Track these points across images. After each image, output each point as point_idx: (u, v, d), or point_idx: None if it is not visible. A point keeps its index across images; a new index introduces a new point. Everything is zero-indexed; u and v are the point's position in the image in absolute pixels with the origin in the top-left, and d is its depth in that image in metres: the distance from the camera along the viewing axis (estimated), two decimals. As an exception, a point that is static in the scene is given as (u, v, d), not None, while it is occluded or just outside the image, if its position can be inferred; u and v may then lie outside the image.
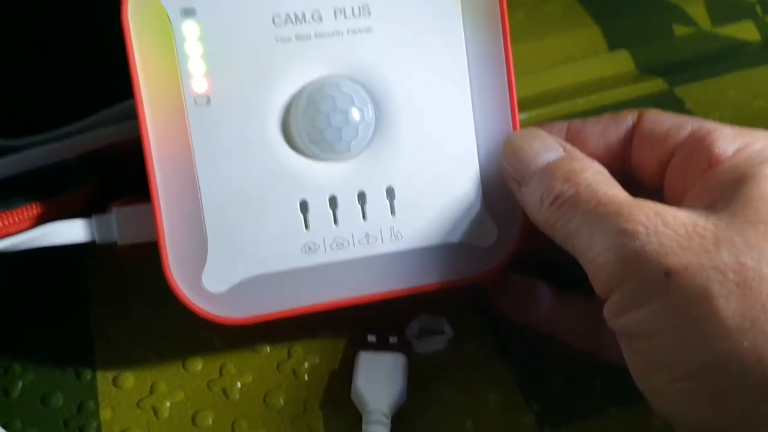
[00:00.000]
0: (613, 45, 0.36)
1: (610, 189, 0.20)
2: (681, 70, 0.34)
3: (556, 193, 0.21)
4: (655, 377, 0.19)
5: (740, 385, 0.17)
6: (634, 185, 0.22)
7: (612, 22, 0.37)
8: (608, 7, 0.38)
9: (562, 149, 0.22)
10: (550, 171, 0.21)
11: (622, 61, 0.35)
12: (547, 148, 0.22)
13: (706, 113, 0.32)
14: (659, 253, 0.18)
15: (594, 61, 0.35)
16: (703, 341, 0.17)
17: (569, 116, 0.32)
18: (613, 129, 0.23)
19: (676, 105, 0.32)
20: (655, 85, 0.33)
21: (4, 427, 0.22)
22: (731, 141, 0.20)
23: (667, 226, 0.18)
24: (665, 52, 0.35)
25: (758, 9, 0.37)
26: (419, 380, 0.24)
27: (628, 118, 0.23)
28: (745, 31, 0.36)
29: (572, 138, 0.23)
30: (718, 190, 0.19)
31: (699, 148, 0.21)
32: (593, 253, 0.19)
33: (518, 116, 0.24)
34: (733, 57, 0.35)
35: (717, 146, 0.20)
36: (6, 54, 0.31)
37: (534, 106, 0.33)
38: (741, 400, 0.17)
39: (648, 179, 0.23)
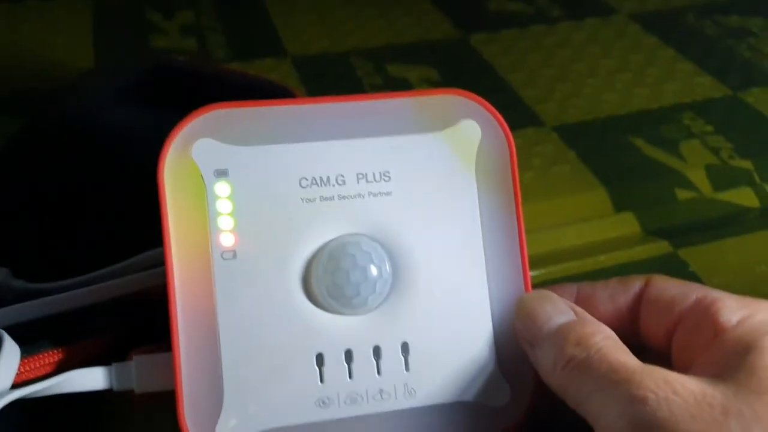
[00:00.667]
0: (618, 207, 0.38)
1: (621, 355, 0.21)
2: (684, 233, 0.35)
3: (568, 357, 0.21)
4: None
5: None
6: (643, 349, 0.23)
7: (617, 185, 0.39)
8: (614, 170, 0.40)
9: (573, 313, 0.23)
10: (562, 334, 0.22)
11: (627, 223, 0.36)
12: (559, 311, 0.23)
13: (710, 277, 0.33)
14: (670, 421, 0.18)
15: (600, 222, 0.37)
16: None
17: (578, 275, 0.33)
18: (621, 294, 0.24)
19: (680, 267, 0.33)
20: (660, 247, 0.35)
21: None
22: (735, 311, 0.21)
23: (677, 395, 0.19)
24: (669, 215, 0.37)
25: (756, 176, 0.39)
26: None
27: (636, 284, 0.24)
28: (744, 197, 0.38)
29: (582, 301, 0.24)
30: (725, 360, 0.20)
31: (704, 317, 0.21)
32: (606, 420, 0.20)
33: (530, 278, 0.24)
34: (733, 223, 0.36)
35: (721, 316, 0.21)
36: (44, 202, 0.33)
37: (543, 264, 0.34)
38: None
39: (656, 344, 0.23)
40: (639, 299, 0.24)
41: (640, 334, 0.24)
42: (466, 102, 0.24)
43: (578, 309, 0.23)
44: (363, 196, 0.24)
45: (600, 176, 0.39)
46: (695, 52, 0.50)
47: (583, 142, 0.42)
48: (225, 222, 0.23)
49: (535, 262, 0.34)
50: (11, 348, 0.22)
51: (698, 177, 0.39)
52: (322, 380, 0.23)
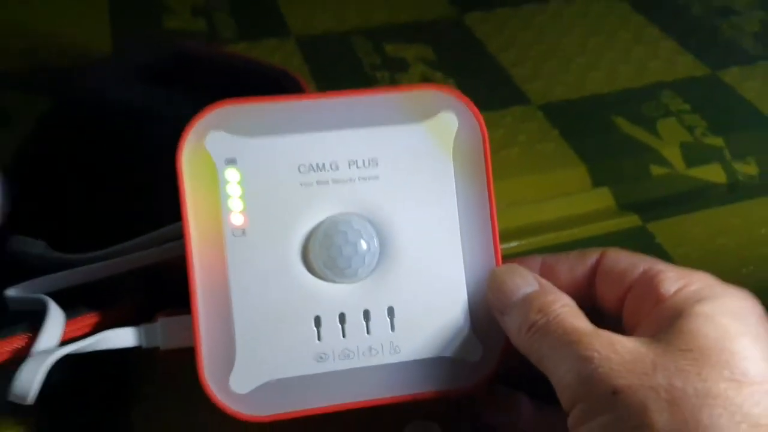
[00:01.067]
0: (597, 183, 0.41)
1: (575, 320, 0.24)
2: (654, 208, 0.39)
3: (531, 322, 0.25)
4: None
5: None
6: (598, 313, 0.26)
7: (597, 161, 0.42)
8: (594, 148, 0.43)
9: (537, 284, 0.26)
10: (527, 302, 0.25)
11: (603, 198, 0.40)
12: (526, 282, 0.26)
13: (674, 248, 0.36)
14: (609, 376, 0.22)
15: (579, 197, 0.40)
16: None
17: (554, 246, 0.36)
18: (579, 265, 0.27)
19: (647, 239, 0.37)
20: (631, 221, 0.38)
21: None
22: (674, 282, 0.24)
23: (616, 353, 0.22)
24: (642, 191, 0.40)
25: (726, 153, 0.42)
26: (412, 477, 0.27)
27: (593, 256, 0.27)
28: (714, 173, 0.41)
29: (546, 271, 0.28)
30: (660, 323, 0.23)
31: (648, 287, 0.25)
32: (558, 374, 0.23)
33: (500, 251, 0.28)
34: (701, 197, 0.39)
35: (662, 286, 0.24)
36: (74, 179, 0.36)
37: (524, 235, 0.37)
38: None
39: (609, 310, 0.27)
40: (594, 270, 0.27)
41: (596, 300, 0.27)
42: (445, 96, 0.27)
43: (542, 280, 0.27)
44: (354, 180, 0.27)
45: (581, 153, 0.42)
46: (679, 31, 0.52)
47: (566, 120, 0.45)
48: (235, 204, 0.26)
49: (517, 233, 0.38)
50: (56, 312, 0.26)
51: (673, 154, 0.42)
52: (319, 339, 0.27)
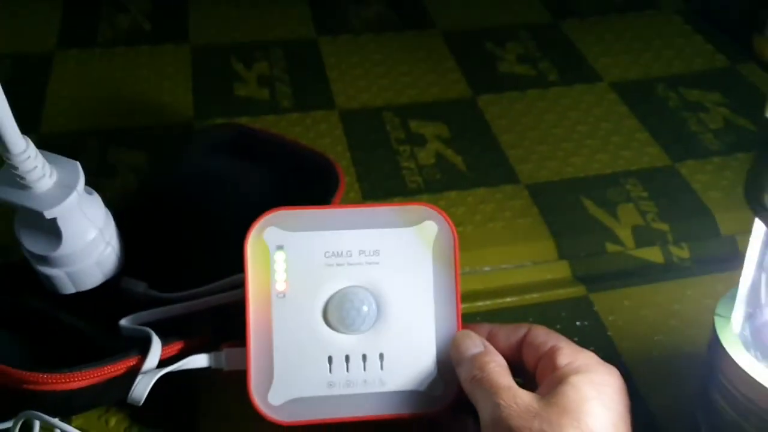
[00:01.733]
0: (561, 255, 0.52)
1: (500, 378, 0.35)
2: (600, 280, 0.49)
3: (472, 375, 0.36)
4: None
5: None
6: (525, 370, 0.38)
7: (564, 237, 0.53)
8: (563, 225, 0.53)
9: (483, 347, 0.38)
10: (472, 360, 0.37)
11: (562, 269, 0.51)
12: (475, 345, 0.38)
13: (606, 315, 0.47)
14: (507, 419, 0.33)
15: (544, 266, 0.51)
16: None
17: (517, 307, 0.48)
18: (513, 335, 0.39)
19: (588, 307, 0.48)
20: (578, 291, 0.49)
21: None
22: (566, 357, 0.35)
23: (516, 404, 0.33)
24: (594, 265, 0.51)
25: (669, 237, 0.53)
26: (389, 472, 0.39)
27: (522, 330, 0.38)
28: (654, 254, 0.52)
29: (492, 335, 0.39)
30: (550, 386, 0.34)
31: (550, 359, 0.35)
32: (483, 415, 0.34)
33: (461, 318, 0.40)
34: (639, 275, 0.50)
35: (557, 360, 0.35)
36: (168, 233, 0.49)
37: (495, 297, 0.48)
38: None
39: (529, 369, 0.38)
40: (522, 340, 0.38)
41: (522, 362, 0.38)
42: (429, 210, 0.40)
43: (487, 344, 0.38)
44: (362, 264, 0.39)
45: (552, 229, 0.53)
46: (653, 123, 0.63)
47: (545, 199, 0.56)
48: (280, 276, 0.39)
49: (491, 294, 0.49)
50: (156, 341, 0.39)
51: (626, 235, 0.53)
52: (330, 372, 0.39)
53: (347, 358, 0.39)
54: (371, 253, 0.39)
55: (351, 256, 0.39)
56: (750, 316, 0.36)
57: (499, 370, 0.36)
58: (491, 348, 0.38)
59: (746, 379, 0.33)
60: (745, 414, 0.33)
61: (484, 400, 0.35)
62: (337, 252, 0.39)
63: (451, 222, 0.40)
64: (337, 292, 0.39)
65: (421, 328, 0.39)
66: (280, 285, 0.39)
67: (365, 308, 0.39)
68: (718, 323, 0.36)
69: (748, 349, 0.34)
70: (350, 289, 0.39)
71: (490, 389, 0.35)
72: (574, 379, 0.34)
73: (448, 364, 0.39)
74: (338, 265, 0.39)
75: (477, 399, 0.36)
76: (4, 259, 0.45)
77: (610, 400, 0.33)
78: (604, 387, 0.34)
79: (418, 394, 0.39)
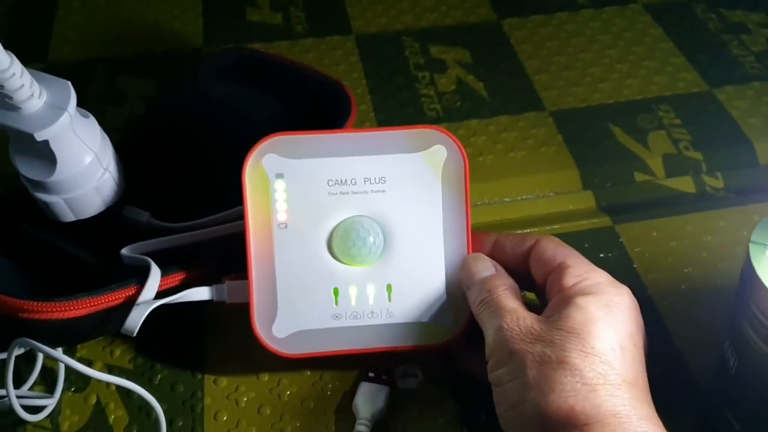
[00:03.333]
0: (585, 185, 0.49)
1: (507, 300, 0.34)
2: (626, 211, 0.47)
3: (482, 298, 0.35)
4: (501, 408, 0.32)
5: (526, 416, 0.30)
6: (533, 283, 0.36)
7: (589, 166, 0.50)
8: (589, 154, 0.51)
9: (494, 269, 0.36)
10: (482, 283, 0.35)
11: (586, 200, 0.48)
12: (485, 267, 0.36)
13: (632, 247, 0.44)
14: (510, 340, 0.32)
15: (567, 197, 0.48)
16: (520, 390, 0.30)
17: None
18: (520, 246, 0.37)
19: (613, 239, 0.45)
20: (603, 222, 0.46)
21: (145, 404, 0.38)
22: (574, 277, 0.33)
23: (518, 326, 0.32)
24: (621, 195, 0.48)
25: (703, 166, 0.50)
26: (397, 404, 0.38)
27: (530, 242, 0.36)
28: (686, 184, 0.49)
29: (498, 244, 0.37)
30: (555, 307, 0.33)
31: (558, 276, 0.34)
32: (487, 335, 0.33)
33: (471, 246, 0.38)
34: (669, 205, 0.47)
35: (565, 279, 0.33)
36: (172, 162, 0.47)
37: (514, 228, 0.46)
38: (527, 425, 0.30)
39: (538, 283, 0.36)
40: (529, 252, 0.36)
41: (530, 274, 0.36)
42: (438, 134, 0.37)
43: (498, 267, 0.36)
44: (367, 192, 0.37)
45: (577, 158, 0.51)
46: (690, 47, 0.58)
47: (571, 127, 0.53)
48: (281, 206, 0.37)
49: (512, 225, 0.47)
50: (155, 270, 0.38)
51: (656, 164, 0.50)
52: (336, 304, 0.37)
53: (353, 289, 0.37)
54: (377, 181, 0.37)
55: (356, 184, 0.37)
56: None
57: (507, 292, 0.34)
58: (502, 271, 0.36)
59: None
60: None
61: (489, 323, 0.33)
62: (341, 180, 0.37)
63: (461, 146, 0.37)
64: (341, 222, 0.37)
65: (430, 258, 0.37)
66: (281, 215, 0.37)
67: (371, 239, 0.37)
68: (753, 251, 0.33)
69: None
70: (355, 218, 0.37)
71: (496, 311, 0.33)
72: (581, 300, 0.32)
73: (457, 295, 0.37)
74: (342, 193, 0.37)
75: (483, 322, 0.34)
76: (5, 189, 0.43)
77: (619, 320, 0.32)
78: (612, 308, 0.32)
79: (427, 325, 0.37)
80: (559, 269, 0.34)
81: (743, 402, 0.34)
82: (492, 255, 0.37)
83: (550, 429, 0.29)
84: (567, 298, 0.32)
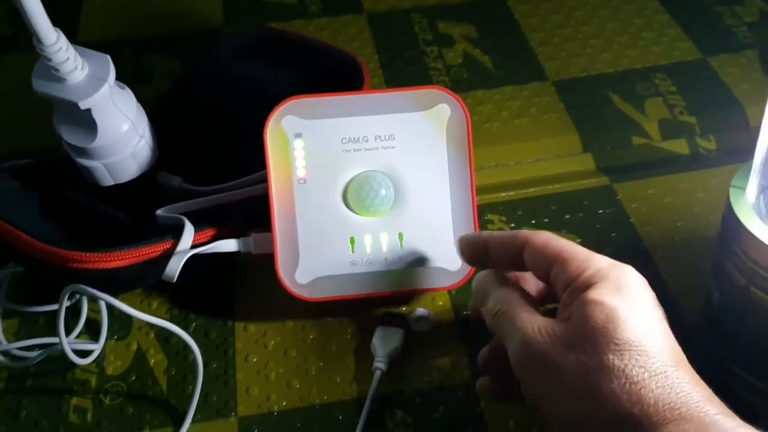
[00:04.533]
0: (585, 149, 0.52)
1: (523, 311, 0.32)
2: (624, 172, 0.50)
3: (497, 310, 0.34)
4: (547, 423, 0.31)
5: (585, 421, 0.29)
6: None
7: (589, 131, 0.53)
8: (589, 120, 0.54)
9: (507, 281, 0.35)
10: (496, 296, 0.34)
11: (586, 162, 0.51)
12: (498, 280, 0.35)
13: (629, 203, 0.47)
14: (539, 354, 0.30)
15: (568, 159, 0.51)
16: (571, 407, 0.29)
17: (536, 197, 0.48)
18: (509, 245, 0.35)
19: (611, 196, 0.48)
20: (602, 181, 0.49)
21: (189, 345, 0.42)
22: (575, 269, 0.32)
23: (541, 335, 0.31)
24: (619, 157, 0.51)
25: (696, 129, 0.53)
26: (410, 345, 0.41)
27: (519, 240, 0.34)
28: (680, 146, 0.51)
29: (487, 243, 0.36)
30: (568, 308, 0.31)
31: (559, 271, 0.32)
32: (511, 347, 0.32)
33: (476, 198, 0.41)
34: (665, 165, 0.50)
35: (568, 273, 0.32)
36: (200, 132, 0.51)
37: (517, 188, 0.49)
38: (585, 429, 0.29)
39: (538, 277, 0.34)
40: (521, 252, 0.34)
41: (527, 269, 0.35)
42: (441, 93, 0.40)
43: (509, 279, 0.35)
44: (378, 149, 0.41)
45: (578, 124, 0.54)
46: (685, 18, 0.61)
47: (572, 95, 0.56)
48: (300, 163, 0.40)
49: (515, 185, 0.50)
50: (189, 227, 0.41)
51: (652, 128, 0.53)
52: (353, 251, 0.41)
53: (368, 238, 0.41)
54: (387, 138, 0.41)
55: (367, 141, 0.41)
56: (765, 189, 0.36)
57: (520, 303, 0.33)
58: (513, 283, 0.36)
59: (757, 245, 0.34)
60: (753, 278, 0.34)
61: (510, 335, 0.32)
62: (354, 138, 0.41)
63: (463, 104, 0.41)
64: (355, 177, 0.41)
65: (437, 208, 0.41)
66: (300, 171, 0.41)
67: (383, 191, 0.40)
68: (733, 194, 0.36)
69: (762, 219, 0.35)
70: (368, 173, 0.41)
71: (514, 323, 0.32)
72: (592, 295, 0.30)
73: (464, 242, 0.41)
74: (355, 150, 0.41)
75: (504, 334, 0.33)
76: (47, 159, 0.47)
77: (636, 304, 0.30)
78: (625, 292, 0.31)
79: (437, 270, 0.41)
80: (559, 263, 0.33)
81: (725, 329, 0.38)
82: (485, 254, 0.37)
83: None
84: (578, 295, 0.31)
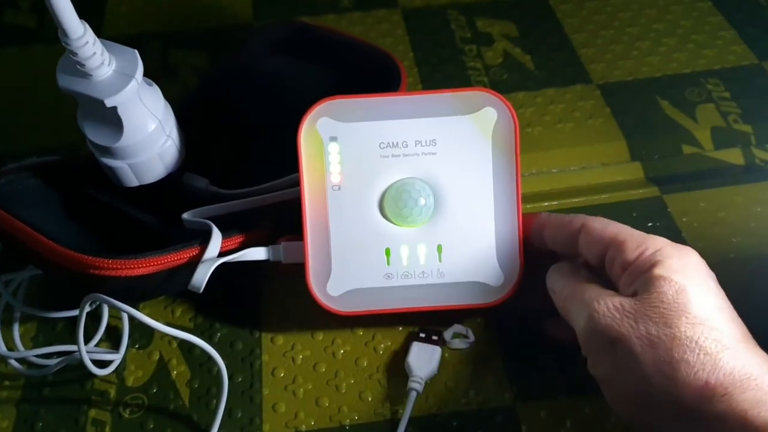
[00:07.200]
0: (633, 157, 0.49)
1: (590, 289, 0.33)
2: (674, 182, 0.47)
3: (566, 293, 0.35)
4: (614, 401, 0.32)
5: (655, 404, 0.29)
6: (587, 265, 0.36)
7: (637, 138, 0.50)
8: (637, 126, 0.51)
9: (576, 270, 0.36)
10: (565, 281, 0.35)
11: (634, 171, 0.48)
12: (569, 269, 0.36)
13: (680, 217, 0.45)
14: (608, 328, 0.31)
15: (615, 168, 0.49)
16: (638, 381, 0.30)
17: (585, 208, 0.46)
18: (566, 227, 0.36)
19: (661, 209, 0.45)
20: (651, 192, 0.46)
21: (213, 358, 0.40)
22: (633, 250, 0.33)
23: (610, 310, 0.31)
24: (669, 167, 0.48)
25: (752, 139, 0.49)
26: (447, 363, 0.39)
27: (576, 223, 0.36)
28: (735, 156, 0.48)
29: (546, 227, 0.37)
30: (633, 284, 0.32)
31: (617, 253, 0.33)
32: (578, 325, 0.33)
33: (521, 208, 0.38)
34: (717, 176, 0.47)
35: (626, 254, 0.33)
36: (225, 129, 0.49)
37: (561, 198, 0.47)
38: (657, 412, 0.30)
39: (592, 261, 0.35)
40: (577, 234, 0.36)
41: (581, 254, 0.36)
42: (488, 96, 0.38)
43: (578, 266, 0.36)
44: (418, 155, 0.38)
45: (624, 130, 0.51)
46: (740, 20, 0.58)
47: (618, 99, 0.53)
48: (334, 168, 0.38)
49: (558, 195, 0.47)
50: (216, 233, 0.39)
51: (704, 137, 0.50)
52: (388, 264, 0.38)
53: (405, 250, 0.38)
54: (428, 143, 0.38)
55: (407, 146, 0.38)
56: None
57: (588, 283, 0.34)
58: (581, 271, 0.36)
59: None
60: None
61: (577, 314, 0.33)
62: (393, 143, 0.38)
63: (511, 107, 0.38)
64: (393, 184, 0.38)
65: (480, 219, 0.38)
66: (335, 177, 0.38)
67: (422, 200, 0.38)
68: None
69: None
70: (407, 180, 0.38)
71: (582, 300, 0.33)
72: (660, 271, 0.31)
73: (507, 255, 0.38)
74: (394, 156, 0.38)
75: (572, 316, 0.34)
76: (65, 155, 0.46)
77: (702, 281, 0.31)
78: (690, 270, 0.32)
79: (477, 285, 0.38)
80: (615, 245, 0.34)
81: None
82: (540, 236, 0.38)
83: (686, 410, 0.29)
84: (640, 273, 0.32)
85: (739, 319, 0.31)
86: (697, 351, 0.29)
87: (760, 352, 0.30)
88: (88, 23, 0.36)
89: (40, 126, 0.54)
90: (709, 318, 0.30)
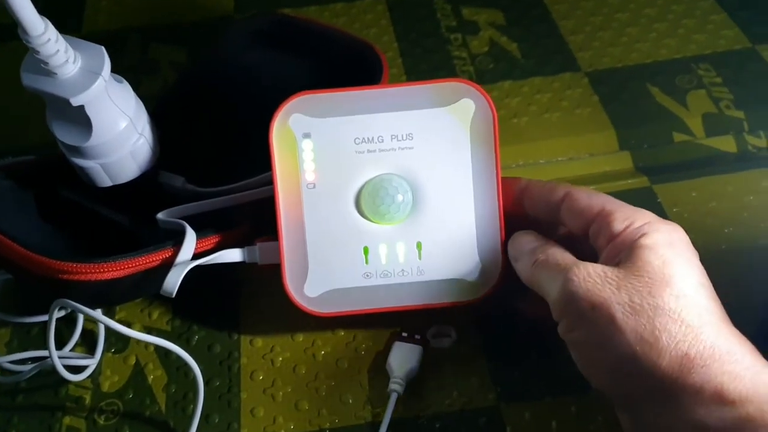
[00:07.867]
0: (622, 146, 0.48)
1: (565, 256, 0.33)
2: (664, 172, 0.45)
3: (534, 259, 0.34)
4: (589, 368, 0.31)
5: (634, 372, 0.29)
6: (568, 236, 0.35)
7: (626, 127, 0.49)
8: (626, 115, 0.50)
9: (543, 240, 0.35)
10: (531, 251, 0.34)
11: (623, 161, 0.47)
12: (533, 240, 0.35)
13: (670, 207, 0.43)
14: (587, 293, 0.30)
15: (603, 158, 0.47)
16: (617, 347, 0.29)
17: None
18: (549, 195, 0.35)
19: (651, 198, 0.44)
20: (641, 182, 0.45)
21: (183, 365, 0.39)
22: (621, 221, 0.32)
23: (590, 276, 0.31)
24: (659, 156, 0.47)
25: (745, 126, 0.48)
26: (429, 363, 0.38)
27: (559, 192, 0.35)
28: (727, 143, 0.47)
29: (526, 192, 0.36)
30: (618, 254, 0.32)
31: (603, 224, 0.33)
32: (551, 294, 0.32)
33: (502, 203, 0.37)
34: (709, 165, 0.46)
35: (614, 225, 0.32)
36: (205, 129, 0.48)
37: (548, 189, 0.46)
38: (634, 380, 0.29)
39: (575, 231, 0.35)
40: (559, 204, 0.35)
41: (563, 224, 0.35)
42: (465, 87, 0.37)
43: (542, 238, 0.35)
44: (395, 150, 0.37)
45: (613, 119, 0.49)
46: (732, 3, 0.56)
47: (606, 87, 0.51)
48: (308, 165, 0.37)
49: (544, 186, 0.46)
50: (191, 234, 0.38)
51: (695, 124, 0.48)
52: (366, 262, 0.37)
53: (383, 248, 0.37)
54: (404, 138, 0.37)
55: (383, 141, 0.37)
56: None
57: (561, 251, 0.34)
58: (551, 241, 0.35)
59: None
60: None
61: (550, 281, 0.32)
62: (368, 138, 0.37)
63: (489, 98, 0.37)
64: (369, 181, 0.37)
65: (460, 215, 0.37)
66: (309, 175, 0.37)
67: (400, 197, 0.37)
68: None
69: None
70: (384, 176, 0.37)
71: (557, 267, 0.32)
72: (647, 242, 0.31)
73: (489, 251, 0.37)
74: (369, 151, 0.37)
75: (542, 283, 0.33)
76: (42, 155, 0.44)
77: (687, 258, 0.31)
78: (676, 245, 0.31)
79: (459, 282, 0.37)
80: (602, 216, 0.33)
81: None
82: (520, 202, 0.37)
83: (662, 380, 0.29)
84: (627, 243, 0.32)
85: (718, 299, 0.31)
86: (679, 323, 0.29)
87: (736, 332, 0.30)
88: (68, 17, 0.35)
89: (24, 125, 0.52)
90: (692, 293, 0.30)
